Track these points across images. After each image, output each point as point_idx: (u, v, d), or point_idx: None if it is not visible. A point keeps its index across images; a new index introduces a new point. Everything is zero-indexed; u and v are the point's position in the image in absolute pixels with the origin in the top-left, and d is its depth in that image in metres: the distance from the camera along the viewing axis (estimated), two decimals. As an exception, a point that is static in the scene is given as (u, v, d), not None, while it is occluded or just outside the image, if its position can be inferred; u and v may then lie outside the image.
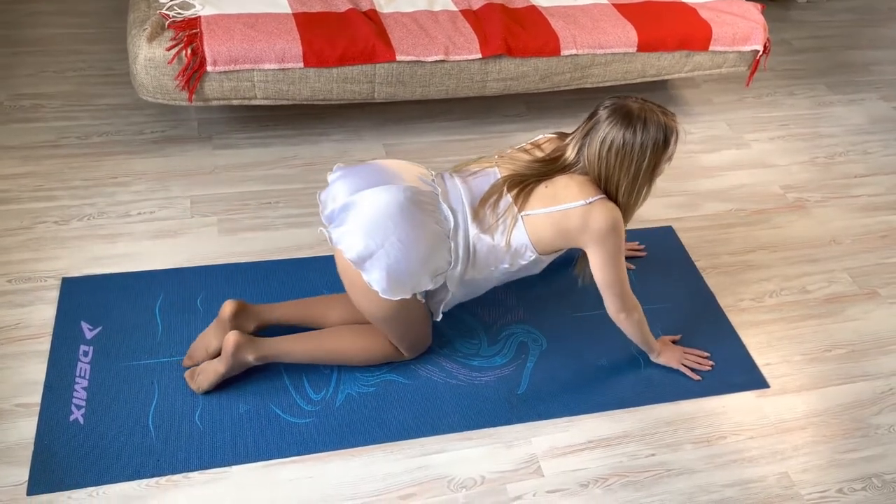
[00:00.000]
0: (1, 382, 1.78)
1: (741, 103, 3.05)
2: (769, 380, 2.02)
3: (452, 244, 1.69)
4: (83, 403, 1.75)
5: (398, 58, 2.28)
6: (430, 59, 2.31)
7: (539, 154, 1.78)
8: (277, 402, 1.81)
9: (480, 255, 1.72)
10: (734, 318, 2.17)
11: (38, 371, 1.81)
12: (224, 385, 1.81)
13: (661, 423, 1.89)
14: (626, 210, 1.74)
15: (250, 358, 1.76)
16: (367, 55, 2.26)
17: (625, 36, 2.48)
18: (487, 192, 1.71)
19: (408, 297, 1.67)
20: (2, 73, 2.58)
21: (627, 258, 2.29)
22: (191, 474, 1.66)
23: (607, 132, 1.63)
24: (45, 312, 1.94)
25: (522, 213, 1.70)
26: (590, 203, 1.66)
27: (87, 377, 1.80)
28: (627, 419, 1.89)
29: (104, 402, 1.76)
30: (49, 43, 2.77)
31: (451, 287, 1.76)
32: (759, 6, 2.76)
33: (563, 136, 1.82)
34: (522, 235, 1.71)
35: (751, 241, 2.44)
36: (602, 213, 1.66)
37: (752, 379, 2.02)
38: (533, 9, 2.51)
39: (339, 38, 2.25)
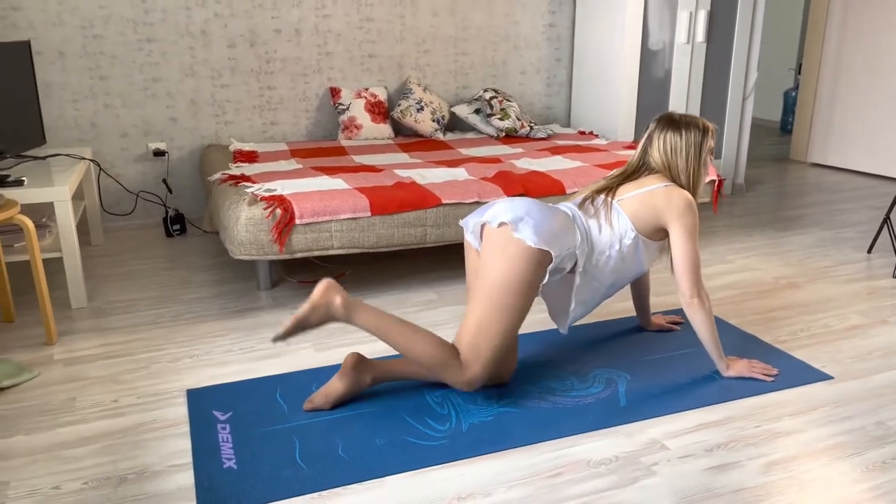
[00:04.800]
0: (149, 453, 1.88)
1: (712, 242, 3.63)
2: (830, 374, 2.27)
3: (576, 225, 2.09)
4: (232, 455, 1.85)
5: (443, 201, 2.82)
6: (468, 200, 2.86)
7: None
8: (409, 433, 1.94)
9: (594, 237, 2.12)
10: (778, 347, 2.46)
11: (183, 444, 1.92)
12: (356, 429, 1.95)
13: (755, 408, 2.08)
14: (690, 189, 2.21)
15: (367, 378, 2.08)
16: (419, 202, 2.80)
17: (611, 178, 3.14)
18: (580, 200, 2.20)
19: (551, 251, 1.97)
20: (89, 291, 2.96)
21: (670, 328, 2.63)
22: (350, 486, 1.73)
23: (663, 135, 2.20)
24: (177, 411, 2.09)
25: (615, 199, 2.17)
26: (668, 186, 2.15)
27: (230, 441, 1.92)
28: (725, 410, 2.07)
29: (252, 453, 1.86)
30: (126, 276, 3.20)
31: (579, 269, 2.09)
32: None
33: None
34: (621, 216, 2.14)
35: (767, 306, 2.82)
36: (680, 193, 2.14)
37: (816, 375, 2.26)
38: (534, 172, 3.17)
39: (395, 193, 2.81)
